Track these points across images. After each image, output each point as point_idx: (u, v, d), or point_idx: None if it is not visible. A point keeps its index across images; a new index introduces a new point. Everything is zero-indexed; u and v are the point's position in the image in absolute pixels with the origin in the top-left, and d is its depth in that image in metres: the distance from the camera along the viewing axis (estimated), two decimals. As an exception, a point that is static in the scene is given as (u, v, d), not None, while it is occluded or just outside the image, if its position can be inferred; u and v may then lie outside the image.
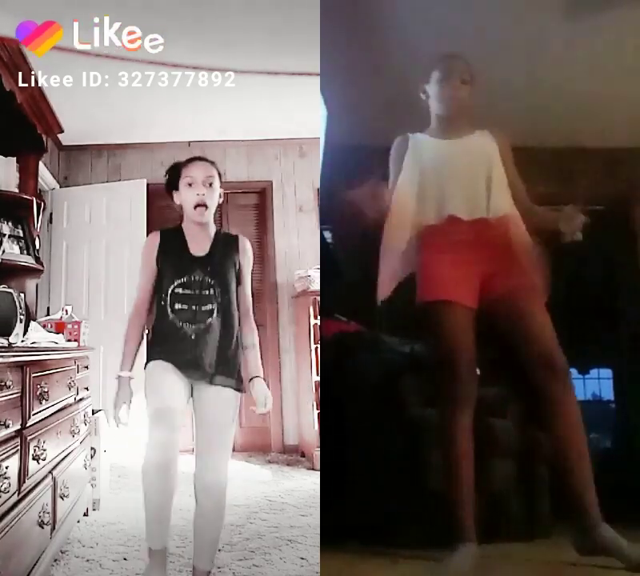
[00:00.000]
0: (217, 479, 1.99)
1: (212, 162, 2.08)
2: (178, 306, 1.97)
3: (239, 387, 2.01)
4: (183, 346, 1.95)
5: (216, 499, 1.99)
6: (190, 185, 2.01)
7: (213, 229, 2.10)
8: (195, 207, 2.01)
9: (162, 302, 1.99)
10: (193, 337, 1.95)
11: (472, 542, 1.77)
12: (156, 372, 1.96)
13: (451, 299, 1.85)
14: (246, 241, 2.14)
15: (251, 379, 2.07)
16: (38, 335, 2.48)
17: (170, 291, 1.98)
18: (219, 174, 2.07)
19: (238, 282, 2.08)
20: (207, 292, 1.98)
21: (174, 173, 2.07)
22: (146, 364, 2.01)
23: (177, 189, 2.06)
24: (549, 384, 1.73)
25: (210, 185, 2.02)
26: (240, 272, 2.08)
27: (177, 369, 1.96)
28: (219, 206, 2.11)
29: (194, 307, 1.96)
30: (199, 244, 2.05)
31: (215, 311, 1.98)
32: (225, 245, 2.08)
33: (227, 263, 2.05)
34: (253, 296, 2.18)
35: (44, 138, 3.48)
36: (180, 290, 1.98)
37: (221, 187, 2.08)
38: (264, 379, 2.09)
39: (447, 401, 1.83)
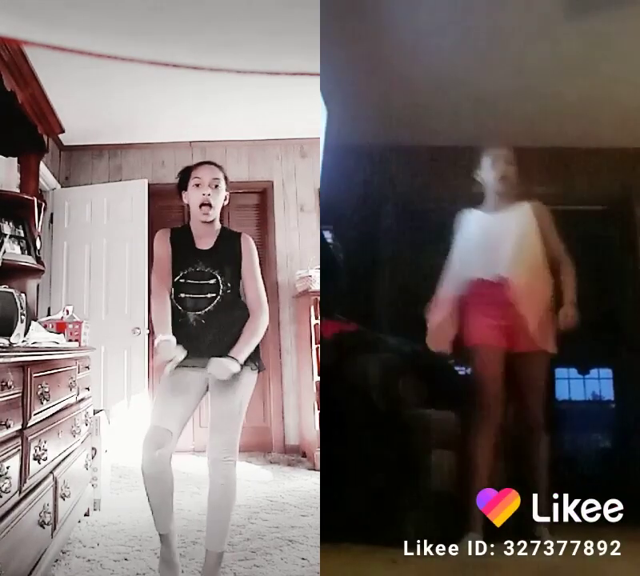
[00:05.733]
0: (227, 455, 2.05)
1: (219, 166, 2.23)
2: (181, 295, 2.13)
3: (252, 367, 2.13)
4: (187, 332, 2.09)
5: (225, 473, 2.05)
6: (197, 185, 2.16)
7: (218, 227, 2.23)
8: (200, 206, 2.15)
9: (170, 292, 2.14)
10: (194, 324, 2.11)
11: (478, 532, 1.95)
12: (166, 379, 2.10)
13: (482, 343, 2.21)
14: (247, 237, 2.25)
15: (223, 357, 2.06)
16: (39, 335, 2.48)
17: (174, 281, 2.14)
18: (225, 178, 2.21)
19: (241, 276, 2.19)
20: (209, 281, 2.12)
21: (184, 175, 2.22)
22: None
23: (186, 189, 2.20)
24: (525, 436, 2.22)
25: (216, 186, 2.17)
26: (242, 267, 2.19)
27: (188, 364, 2.06)
28: (223, 206, 2.24)
29: (195, 296, 2.11)
30: (204, 240, 2.20)
31: (217, 299, 2.12)
32: (228, 240, 2.22)
33: (229, 257, 2.18)
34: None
35: (45, 138, 3.49)
36: (183, 280, 2.14)
37: (227, 190, 2.22)
38: (241, 365, 2.06)
39: (476, 419, 2.18)
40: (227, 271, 2.15)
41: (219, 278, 2.13)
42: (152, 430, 2.05)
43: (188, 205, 2.22)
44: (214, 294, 2.12)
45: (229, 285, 2.14)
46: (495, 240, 2.30)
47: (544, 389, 2.29)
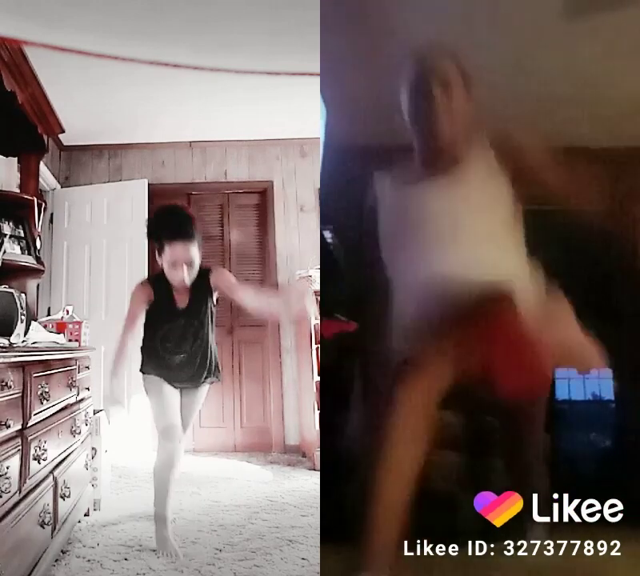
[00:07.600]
0: (181, 436, 2.52)
1: (192, 238, 2.39)
2: (165, 342, 2.50)
3: (214, 380, 2.64)
4: (171, 370, 2.52)
5: (176, 447, 2.45)
6: (172, 265, 2.39)
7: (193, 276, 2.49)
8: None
9: (151, 338, 2.53)
10: (178, 364, 2.52)
11: None
12: (154, 387, 2.52)
13: None
14: (217, 270, 2.56)
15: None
16: (39, 335, 2.48)
17: (158, 332, 2.51)
18: (199, 244, 2.43)
19: (211, 310, 2.56)
20: (188, 333, 2.50)
21: (157, 232, 2.44)
22: (141, 371, 2.57)
23: (162, 248, 2.41)
24: None
25: (191, 264, 2.40)
26: (224, 290, 2.51)
27: (168, 382, 2.53)
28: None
29: (176, 343, 2.50)
30: (182, 295, 2.50)
31: (194, 343, 2.51)
32: (200, 286, 2.49)
33: (203, 304, 2.52)
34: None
35: (45, 138, 3.49)
36: (166, 332, 2.50)
37: (199, 250, 2.44)
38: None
39: None
40: (201, 318, 2.52)
41: (196, 326, 2.50)
42: (165, 430, 2.43)
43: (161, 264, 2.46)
44: (192, 340, 2.50)
45: (202, 328, 2.52)
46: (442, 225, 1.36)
47: None
